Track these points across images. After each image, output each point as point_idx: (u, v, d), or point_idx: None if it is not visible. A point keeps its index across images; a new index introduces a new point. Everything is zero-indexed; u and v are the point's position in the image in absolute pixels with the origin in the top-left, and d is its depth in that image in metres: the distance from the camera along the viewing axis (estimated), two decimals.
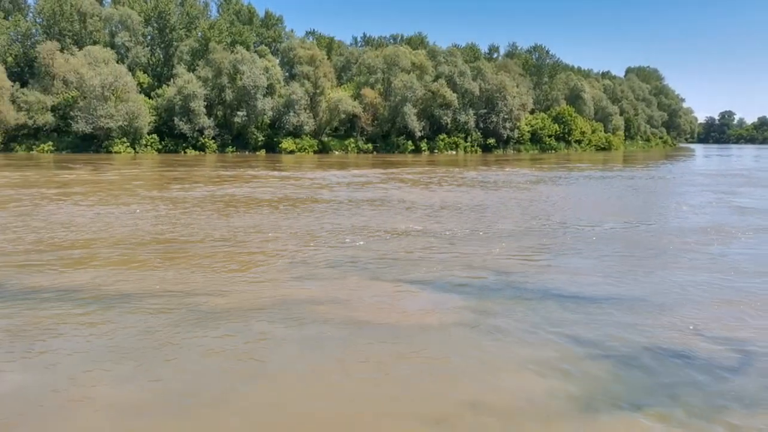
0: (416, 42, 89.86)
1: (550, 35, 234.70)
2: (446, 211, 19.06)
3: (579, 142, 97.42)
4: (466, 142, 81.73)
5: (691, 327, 7.83)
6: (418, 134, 75.90)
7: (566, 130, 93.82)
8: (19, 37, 64.84)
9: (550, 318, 8.22)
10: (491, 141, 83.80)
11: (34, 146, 59.33)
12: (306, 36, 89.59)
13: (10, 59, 63.50)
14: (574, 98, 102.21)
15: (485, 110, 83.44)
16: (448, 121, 78.83)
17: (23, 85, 61.43)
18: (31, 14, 68.88)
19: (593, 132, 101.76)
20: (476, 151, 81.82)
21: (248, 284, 9.85)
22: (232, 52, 67.47)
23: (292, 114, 68.48)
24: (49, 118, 59.82)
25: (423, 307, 8.82)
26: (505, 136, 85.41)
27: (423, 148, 77.00)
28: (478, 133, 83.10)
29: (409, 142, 75.74)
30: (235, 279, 10.12)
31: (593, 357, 6.84)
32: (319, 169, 42.33)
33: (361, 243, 13.54)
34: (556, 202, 22.24)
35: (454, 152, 79.61)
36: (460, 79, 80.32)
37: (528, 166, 48.37)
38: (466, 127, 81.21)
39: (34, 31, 66.44)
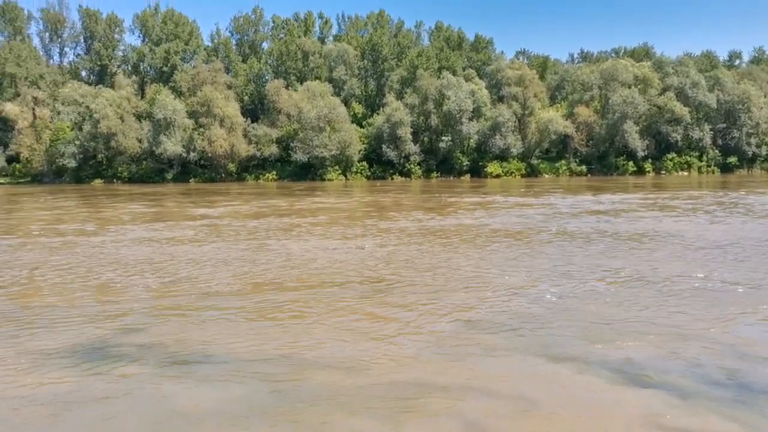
0: (640, 54, 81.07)
1: None
2: (718, 251, 14.31)
3: None
4: (700, 161, 70.63)
5: None
6: (641, 154, 67.44)
7: None
8: (253, 77, 72.22)
9: None
10: (732, 160, 71.29)
11: (261, 175, 64.85)
12: (516, 56, 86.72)
13: (246, 98, 71.02)
14: None
15: (724, 125, 71.48)
16: (678, 138, 68.91)
17: (254, 120, 68.01)
18: (263, 56, 76.52)
19: None
20: (713, 172, 70.21)
21: (376, 354, 7.55)
22: (439, 77, 67.18)
23: (498, 137, 65.60)
24: (274, 149, 65.07)
25: (599, 408, 5.74)
26: (750, 153, 72.20)
27: (647, 169, 68.14)
28: (716, 151, 71.33)
29: (630, 163, 67.62)
30: (370, 345, 7.90)
31: None
32: (567, 193, 38.44)
33: (565, 294, 10.26)
34: None
35: (685, 173, 69.19)
36: (692, 91, 69.99)
37: None
38: (700, 144, 70.31)
39: (264, 71, 73.63)
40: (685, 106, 68.59)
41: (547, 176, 66.38)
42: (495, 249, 15.26)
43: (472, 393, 6.29)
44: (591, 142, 69.23)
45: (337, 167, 63.44)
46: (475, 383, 6.54)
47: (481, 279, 11.69)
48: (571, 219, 22.10)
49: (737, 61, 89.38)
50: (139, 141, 63.52)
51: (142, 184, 59.28)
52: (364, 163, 65.71)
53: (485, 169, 65.53)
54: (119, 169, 63.81)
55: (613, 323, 8.63)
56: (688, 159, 70.26)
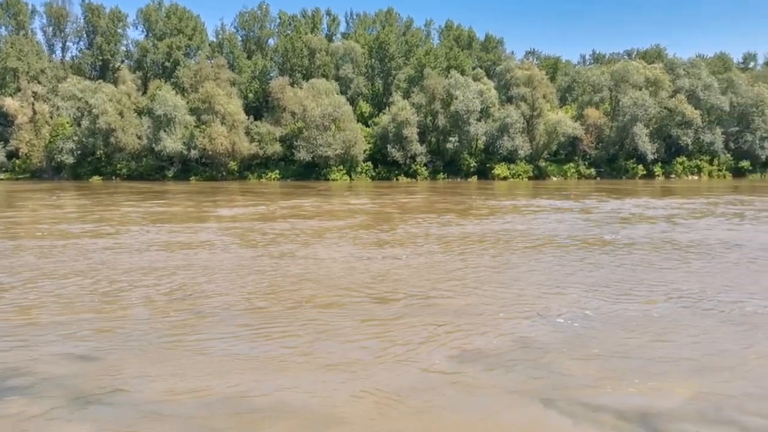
0: (652, 55, 79.48)
1: None
2: None
3: None
4: (711, 165, 69.19)
5: None
6: (651, 157, 66.01)
7: None
8: (258, 74, 70.98)
9: None
10: (745, 164, 69.86)
11: (263, 174, 63.63)
12: (526, 56, 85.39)
13: (251, 95, 69.82)
14: None
15: (737, 128, 70.09)
16: (689, 141, 67.52)
17: (258, 118, 66.79)
18: (269, 53, 75.30)
19: None
20: (724, 176, 68.76)
21: (354, 399, 6.35)
22: (447, 77, 65.89)
23: (506, 138, 64.24)
24: (277, 148, 63.83)
25: None
26: (764, 157, 70.72)
27: (656, 173, 66.75)
28: (728, 155, 69.89)
29: (640, 167, 66.16)
30: (350, 387, 6.67)
31: None
32: (609, 197, 37.11)
33: (594, 318, 9.36)
34: None
35: (695, 177, 67.78)
36: (704, 94, 68.54)
37: None
38: (711, 148, 68.83)
39: (270, 68, 72.40)
40: (696, 108, 67.19)
41: (555, 179, 65.05)
42: (533, 257, 14.18)
43: None
44: (600, 144, 67.89)
45: (341, 167, 62.18)
46: None
47: (509, 298, 10.49)
48: (621, 226, 20.81)
49: (752, 64, 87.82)
50: (139, 138, 62.37)
51: (141, 182, 58.11)
52: (369, 163, 64.42)
53: (492, 171, 64.22)
54: (118, 166, 62.66)
55: (635, 357, 7.35)
56: (699, 163, 68.85)
